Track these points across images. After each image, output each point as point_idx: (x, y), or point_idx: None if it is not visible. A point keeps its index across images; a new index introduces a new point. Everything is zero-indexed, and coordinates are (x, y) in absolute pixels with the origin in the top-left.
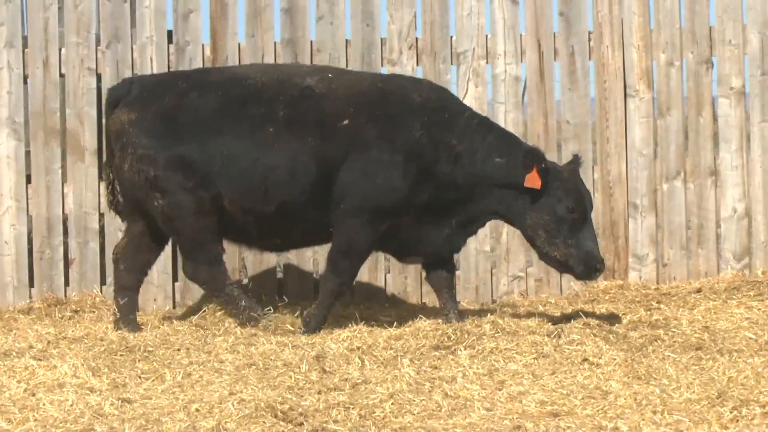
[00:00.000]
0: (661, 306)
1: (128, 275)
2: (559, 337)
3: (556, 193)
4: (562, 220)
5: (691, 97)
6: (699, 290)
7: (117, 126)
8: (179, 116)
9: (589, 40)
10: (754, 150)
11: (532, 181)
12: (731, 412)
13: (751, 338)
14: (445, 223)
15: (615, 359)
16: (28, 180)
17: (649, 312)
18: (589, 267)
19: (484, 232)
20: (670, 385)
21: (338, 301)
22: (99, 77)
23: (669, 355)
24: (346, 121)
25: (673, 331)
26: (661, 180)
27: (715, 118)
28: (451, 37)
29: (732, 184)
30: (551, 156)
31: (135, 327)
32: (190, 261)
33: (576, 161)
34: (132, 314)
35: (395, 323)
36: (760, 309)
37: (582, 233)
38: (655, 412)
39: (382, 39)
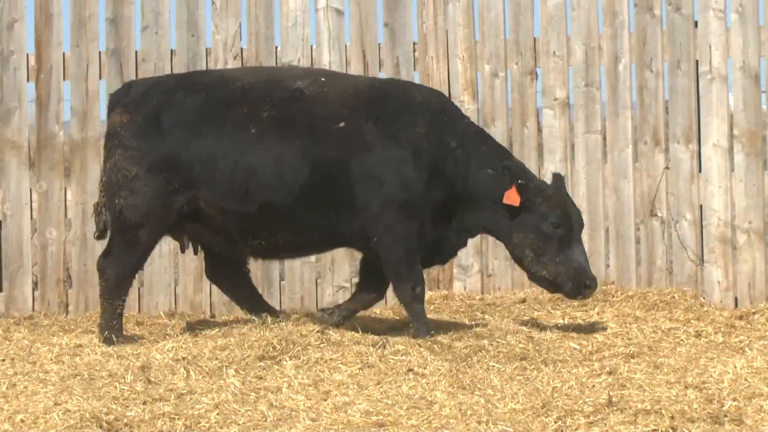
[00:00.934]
0: (486, 316)
1: None
2: (384, 347)
3: (540, 209)
4: (548, 237)
5: (516, 107)
6: (524, 300)
7: (109, 128)
8: (163, 119)
9: (414, 51)
10: (579, 161)
11: (511, 197)
12: (555, 422)
13: (575, 348)
14: (446, 229)
15: (440, 369)
16: None
17: (473, 322)
18: (577, 284)
19: None
20: (494, 395)
21: (424, 303)
22: None
23: (494, 366)
24: (342, 124)
25: (498, 342)
26: None
27: (539, 129)
28: (276, 47)
29: None
30: None
31: None
32: (110, 257)
33: (559, 179)
34: None
35: (221, 334)
36: (584, 320)
37: (570, 250)
38: (480, 422)
39: (207, 49)
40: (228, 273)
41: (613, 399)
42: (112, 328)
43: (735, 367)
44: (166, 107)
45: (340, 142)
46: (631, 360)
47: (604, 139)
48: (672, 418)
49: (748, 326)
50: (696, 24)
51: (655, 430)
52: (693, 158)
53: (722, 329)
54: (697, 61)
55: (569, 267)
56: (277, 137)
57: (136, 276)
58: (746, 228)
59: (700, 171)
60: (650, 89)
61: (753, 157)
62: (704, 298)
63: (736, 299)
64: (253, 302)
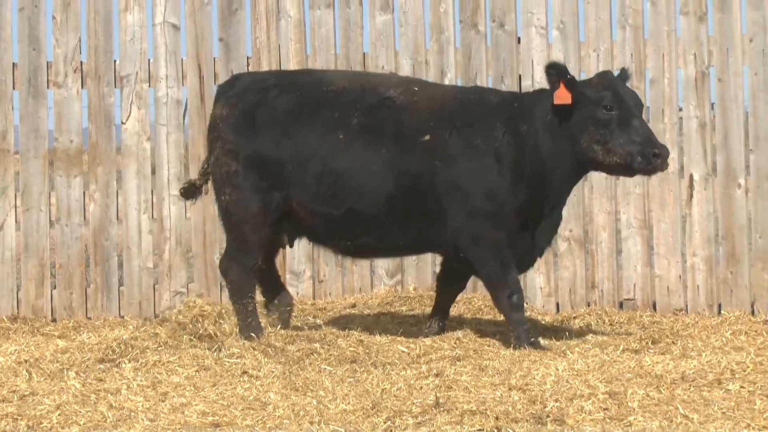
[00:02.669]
0: (318, 320)
1: None
2: (220, 350)
3: (590, 100)
4: (606, 123)
5: None
6: (353, 305)
7: (211, 120)
8: (257, 115)
9: (248, 64)
10: None
11: (561, 96)
12: (385, 423)
13: (403, 351)
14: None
15: (273, 372)
16: None
17: (306, 326)
18: (645, 156)
19: (148, 249)
20: (326, 396)
21: (522, 311)
22: None
23: (325, 368)
24: (427, 136)
25: (329, 345)
26: None
27: None
28: (115, 61)
29: None
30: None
31: None
32: (229, 258)
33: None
34: None
35: (62, 337)
36: (411, 323)
37: (630, 127)
38: (312, 423)
39: (48, 62)
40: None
41: (440, 400)
42: (249, 327)
43: (557, 370)
44: (261, 104)
45: (425, 154)
46: (458, 363)
47: None
48: (497, 418)
49: (569, 329)
50: (519, 40)
51: (480, 430)
52: None
53: (544, 333)
54: (520, 76)
55: (634, 144)
56: (363, 144)
57: None
58: (567, 236)
59: None
60: None
61: None
62: (528, 303)
63: (557, 304)
64: (273, 292)
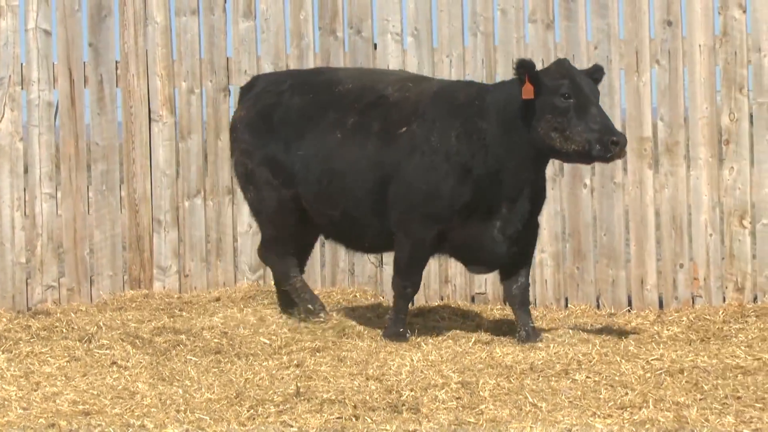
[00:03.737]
0: (184, 313)
1: None
2: (90, 341)
3: (548, 88)
4: (564, 111)
5: (210, 122)
6: (218, 299)
7: (232, 122)
8: (273, 116)
9: (117, 69)
10: None
11: (528, 92)
12: (248, 411)
13: (265, 343)
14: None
15: (141, 362)
16: None
17: (172, 319)
18: (603, 143)
19: (20, 245)
20: (192, 386)
21: (408, 302)
22: None
23: (191, 359)
24: (403, 129)
25: (195, 337)
26: (183, 198)
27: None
28: None
29: None
30: (82, 176)
31: None
32: (265, 248)
33: (561, 60)
34: None
35: None
36: (273, 316)
37: (587, 114)
38: (178, 411)
39: None
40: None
41: (301, 389)
42: (306, 302)
43: (412, 360)
44: (276, 105)
45: (398, 147)
46: (317, 354)
47: None
48: (355, 407)
49: (424, 322)
50: (375, 46)
51: (339, 417)
52: None
53: None
54: None
55: (591, 131)
56: (353, 143)
57: None
58: None
59: None
60: None
61: None
62: (383, 297)
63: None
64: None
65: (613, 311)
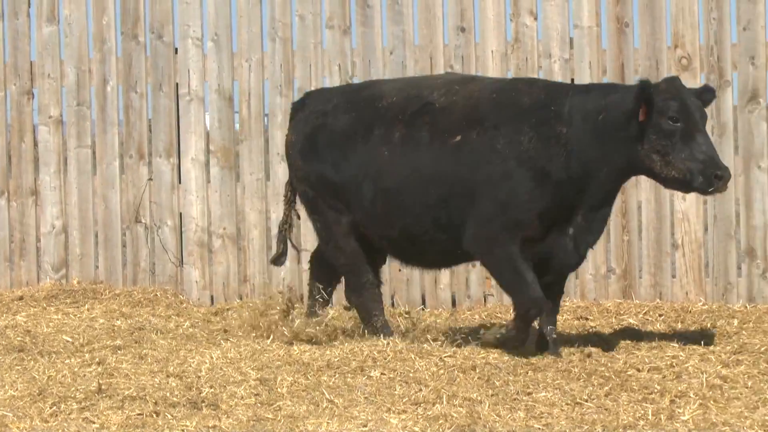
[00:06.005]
0: None
1: None
2: None
3: (655, 107)
4: (669, 134)
5: (15, 124)
6: (21, 298)
7: (286, 142)
8: (318, 138)
9: None
10: (71, 172)
11: (642, 114)
12: (51, 408)
13: (68, 341)
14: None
15: None
16: None
17: None
18: (707, 176)
19: None
20: None
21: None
22: None
23: None
24: (458, 137)
25: None
26: None
27: (36, 144)
28: None
29: (51, 203)
30: None
31: None
32: (346, 286)
33: (671, 79)
34: None
35: None
36: (75, 315)
37: (694, 142)
38: None
39: None
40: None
41: (103, 387)
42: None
43: (212, 358)
44: (321, 127)
45: (459, 157)
46: (119, 351)
47: (94, 153)
48: (155, 403)
49: (224, 320)
50: (176, 51)
51: (140, 414)
52: (173, 171)
53: (200, 324)
54: (177, 84)
55: (695, 160)
56: (404, 157)
57: None
58: (221, 233)
59: (180, 182)
60: (135, 108)
61: (227, 170)
62: (183, 296)
63: (212, 297)
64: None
65: (407, 309)
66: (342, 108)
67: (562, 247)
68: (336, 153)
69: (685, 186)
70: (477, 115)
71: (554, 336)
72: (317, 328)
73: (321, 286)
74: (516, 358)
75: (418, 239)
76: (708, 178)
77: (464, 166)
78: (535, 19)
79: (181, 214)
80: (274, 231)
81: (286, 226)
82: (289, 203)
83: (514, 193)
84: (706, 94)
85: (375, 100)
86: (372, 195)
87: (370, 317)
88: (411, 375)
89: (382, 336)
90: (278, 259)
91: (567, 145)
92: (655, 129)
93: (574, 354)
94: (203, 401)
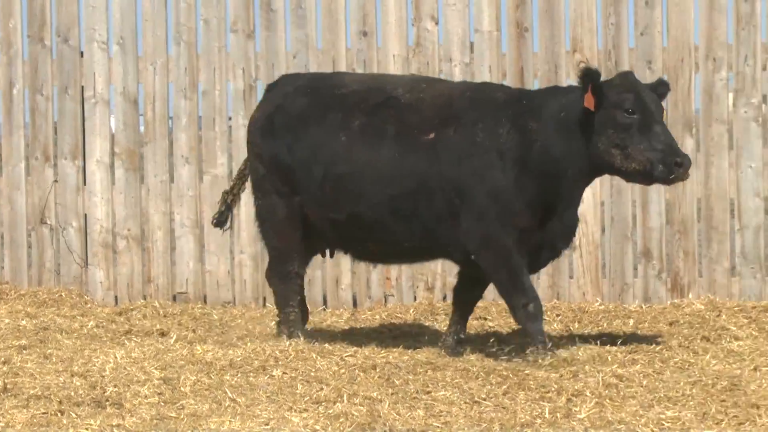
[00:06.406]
0: None
1: None
2: None
3: (611, 101)
4: (627, 127)
5: None
6: None
7: (249, 120)
8: (276, 120)
9: None
10: None
11: (589, 102)
12: None
13: None
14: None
15: None
16: None
17: None
18: (667, 164)
19: None
20: None
21: (540, 321)
22: None
23: None
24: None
25: None
26: None
27: None
28: None
29: None
30: None
31: None
32: (269, 268)
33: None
34: None
35: None
36: None
37: (651, 132)
38: None
39: None
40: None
41: (8, 386)
42: (290, 337)
43: (116, 358)
44: (279, 107)
45: (430, 152)
46: (24, 351)
47: (0, 155)
48: (60, 402)
49: (129, 321)
50: (82, 54)
51: (45, 413)
52: (79, 173)
53: (104, 324)
54: (83, 87)
55: (655, 150)
56: (364, 146)
57: None
58: (126, 234)
59: (85, 184)
60: (41, 111)
61: (132, 172)
62: (88, 297)
63: (116, 297)
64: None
65: (309, 309)
66: (301, 91)
67: (547, 243)
68: (290, 134)
69: (646, 177)
70: (451, 112)
71: (462, 336)
72: None
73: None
74: (415, 357)
75: (368, 226)
76: (668, 166)
77: (443, 161)
78: (437, 23)
79: (86, 215)
80: (179, 232)
81: (230, 196)
82: (240, 176)
83: (501, 182)
84: (661, 88)
85: (336, 87)
86: (321, 178)
87: (286, 306)
88: (312, 374)
89: (291, 328)
90: (218, 220)
91: (538, 141)
92: (612, 123)
93: (473, 353)
94: (107, 400)
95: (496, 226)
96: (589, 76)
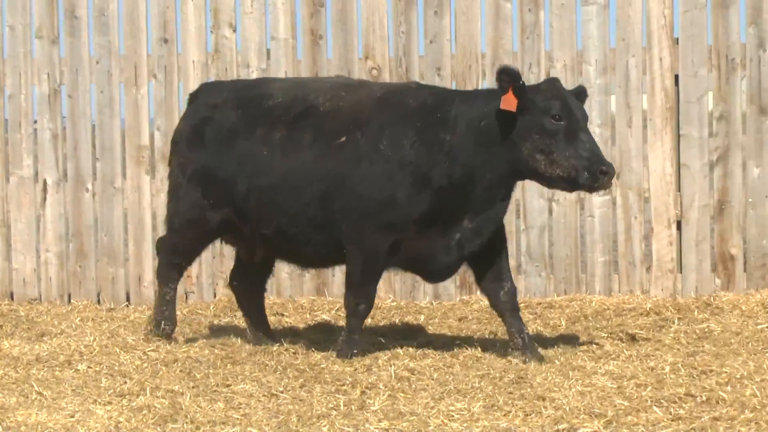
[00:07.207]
0: None
1: None
2: None
3: (537, 107)
4: (553, 133)
5: None
6: None
7: (175, 131)
8: (206, 131)
9: None
10: None
11: (509, 103)
12: None
13: None
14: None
15: None
16: None
17: None
18: (592, 172)
19: None
20: None
21: (362, 321)
22: None
23: None
24: (343, 138)
25: None
26: None
27: None
28: None
29: None
30: None
31: None
32: (161, 264)
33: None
34: None
35: None
36: None
37: (577, 140)
38: None
39: None
40: (247, 285)
41: None
42: (162, 317)
43: None
44: (208, 120)
45: (339, 158)
46: None
47: None
48: None
49: None
50: None
51: None
52: None
53: None
54: None
55: (580, 158)
56: (283, 158)
57: None
58: None
59: None
60: None
61: None
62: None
63: None
64: (258, 319)
65: (113, 306)
66: (230, 104)
67: (444, 249)
68: (219, 148)
69: (570, 183)
70: (362, 117)
71: (527, 332)
72: None
73: (252, 307)
74: (216, 352)
75: (294, 238)
76: (593, 174)
77: (344, 163)
78: (234, 31)
79: None
80: None
81: None
82: None
83: (393, 195)
84: (581, 96)
85: (262, 99)
86: (245, 192)
87: (163, 304)
88: (116, 368)
89: (164, 309)
90: None
91: (450, 152)
92: (538, 128)
93: (271, 348)
94: None
95: (372, 231)
96: (508, 75)
